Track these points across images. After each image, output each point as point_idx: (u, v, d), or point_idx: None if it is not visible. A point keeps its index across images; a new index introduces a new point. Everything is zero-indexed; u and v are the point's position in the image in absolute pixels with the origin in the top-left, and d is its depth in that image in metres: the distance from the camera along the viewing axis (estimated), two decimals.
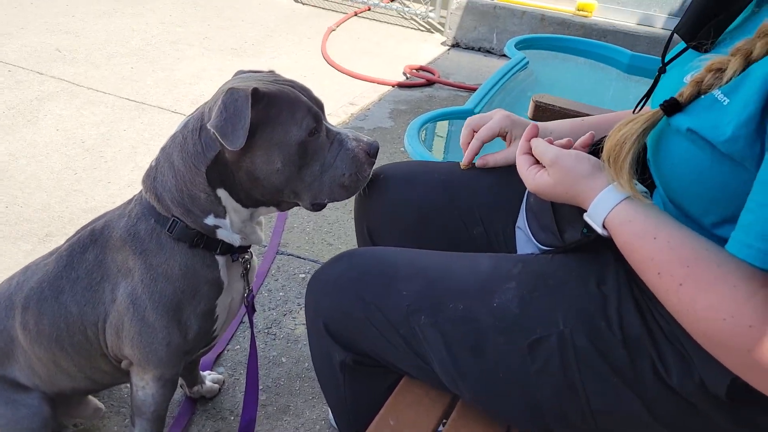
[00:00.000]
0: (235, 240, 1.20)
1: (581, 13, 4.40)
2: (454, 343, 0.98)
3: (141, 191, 1.21)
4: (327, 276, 1.11)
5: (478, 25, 4.58)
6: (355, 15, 5.09)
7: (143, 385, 1.28)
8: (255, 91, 1.04)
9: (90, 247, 1.21)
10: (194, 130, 1.12)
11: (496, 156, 1.24)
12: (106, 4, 4.61)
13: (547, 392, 0.94)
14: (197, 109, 1.15)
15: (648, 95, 0.99)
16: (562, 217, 1.01)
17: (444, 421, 1.06)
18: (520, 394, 0.96)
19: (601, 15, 4.42)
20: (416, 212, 1.26)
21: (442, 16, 4.97)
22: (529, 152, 1.02)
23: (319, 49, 4.31)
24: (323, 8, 5.20)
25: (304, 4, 5.27)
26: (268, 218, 2.41)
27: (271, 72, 1.21)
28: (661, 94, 0.89)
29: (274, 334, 1.94)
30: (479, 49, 4.66)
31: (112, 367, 1.31)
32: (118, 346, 1.23)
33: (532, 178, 0.98)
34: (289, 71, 3.87)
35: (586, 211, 0.90)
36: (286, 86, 1.12)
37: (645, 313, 0.90)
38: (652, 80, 0.98)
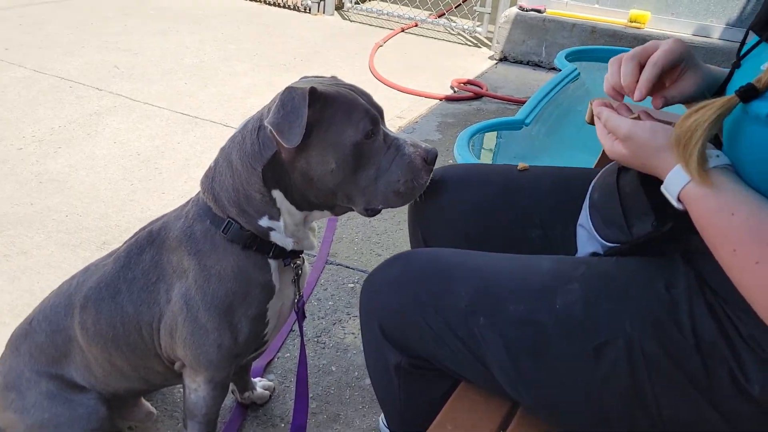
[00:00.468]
0: (288, 243, 1.20)
1: (634, 24, 4.32)
2: (515, 346, 0.95)
3: (198, 193, 1.22)
4: (382, 277, 1.10)
5: (526, 38, 4.55)
6: (402, 31, 5.13)
7: (195, 387, 1.29)
8: (312, 90, 1.04)
9: (147, 248, 1.23)
10: (253, 130, 1.12)
11: (671, 91, 1.00)
12: (162, 24, 4.76)
13: (614, 399, 0.90)
14: (259, 111, 1.16)
15: (722, 90, 0.96)
16: (631, 210, 0.97)
17: (503, 429, 1.03)
18: (584, 400, 0.92)
19: (655, 26, 4.34)
20: (472, 215, 1.24)
21: (489, 31, 4.96)
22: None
23: (366, 64, 4.35)
24: (371, 25, 5.26)
25: (351, 21, 5.34)
26: (318, 229, 2.42)
27: (333, 77, 1.21)
28: (736, 86, 0.85)
29: (324, 343, 1.94)
30: (527, 63, 4.63)
31: (165, 368, 1.32)
32: (172, 347, 1.24)
33: (610, 146, 0.95)
34: None
35: (656, 202, 0.88)
36: (346, 89, 1.12)
37: (721, 318, 0.85)
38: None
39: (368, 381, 1.81)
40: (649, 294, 0.91)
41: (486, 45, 4.94)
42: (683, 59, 0.97)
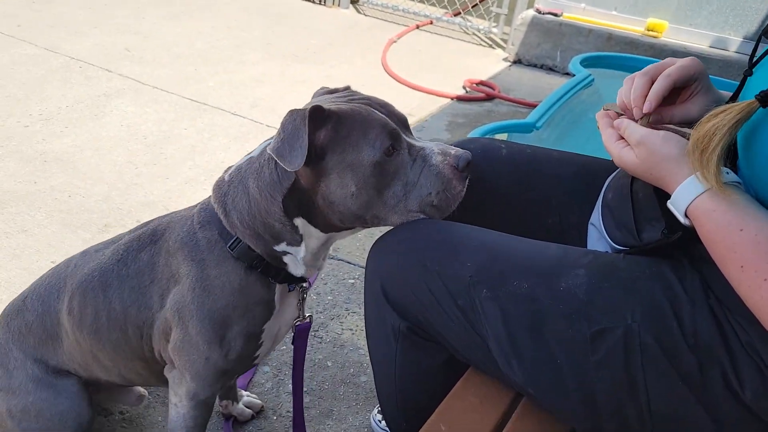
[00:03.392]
0: (299, 271, 1.15)
1: (651, 33, 4.28)
2: (513, 321, 0.95)
3: (209, 198, 1.17)
4: (391, 240, 1.09)
5: (541, 41, 4.51)
6: (417, 28, 5.09)
7: (176, 402, 1.24)
8: (317, 110, 0.98)
9: (147, 247, 1.19)
10: (270, 160, 1.07)
11: (676, 110, 1.01)
12: (175, 7, 4.74)
13: (606, 386, 0.90)
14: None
15: (734, 98, 0.95)
16: (642, 215, 0.96)
17: None
18: (576, 383, 0.92)
19: (672, 36, 4.29)
20: (489, 191, 1.21)
21: (505, 32, 4.92)
22: (615, 126, 0.98)
23: (379, 59, 4.32)
24: (385, 20, 5.22)
25: (366, 15, 5.31)
26: None
27: (348, 88, 1.16)
28: (749, 95, 0.84)
29: (321, 338, 1.92)
30: (542, 67, 4.59)
31: (148, 372, 1.28)
32: (165, 348, 1.20)
33: (618, 152, 0.95)
34: (349, 80, 3.89)
35: (667, 209, 0.87)
36: (361, 104, 1.06)
37: (722, 322, 0.85)
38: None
39: (363, 378, 1.79)
40: (654, 288, 0.91)
41: (500, 46, 4.91)
42: (697, 79, 0.98)
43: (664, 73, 0.95)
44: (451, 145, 1.17)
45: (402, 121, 1.09)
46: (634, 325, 0.88)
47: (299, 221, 1.09)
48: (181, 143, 2.92)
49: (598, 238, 1.06)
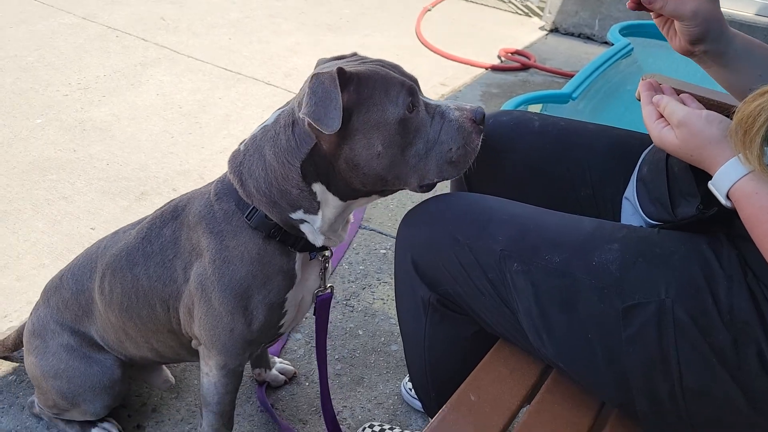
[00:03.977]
0: (318, 240, 1.14)
1: None
2: (544, 295, 0.95)
3: (225, 173, 1.18)
4: (421, 212, 1.10)
5: (579, 9, 4.40)
6: None
7: (207, 372, 1.27)
8: (341, 71, 0.98)
9: (169, 223, 1.20)
10: (287, 126, 1.07)
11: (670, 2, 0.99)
12: None
13: (637, 361, 0.89)
14: (287, 104, 1.11)
15: None
16: (678, 190, 0.94)
17: (528, 402, 1.01)
18: (607, 358, 0.92)
19: None
20: (520, 164, 1.20)
21: (541, 0, 4.81)
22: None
23: (413, 28, 4.27)
24: None
25: None
26: None
27: (355, 54, 1.15)
28: None
29: (353, 306, 1.94)
30: (579, 35, 4.48)
31: (178, 344, 1.31)
32: (189, 325, 1.22)
33: (657, 133, 0.93)
34: (382, 49, 3.86)
35: (703, 186, 0.86)
36: (375, 65, 1.06)
37: (759, 300, 0.84)
38: None
39: (394, 347, 1.81)
40: (690, 264, 0.89)
41: (537, 15, 4.80)
42: None
43: None
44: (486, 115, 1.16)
45: (414, 81, 1.09)
46: (667, 301, 0.87)
47: (317, 187, 1.09)
48: (215, 112, 2.95)
49: (632, 212, 1.04)
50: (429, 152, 1.05)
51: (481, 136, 1.07)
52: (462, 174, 1.07)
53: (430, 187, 1.09)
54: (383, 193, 1.11)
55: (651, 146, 1.07)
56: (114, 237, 1.32)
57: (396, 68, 1.08)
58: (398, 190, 1.10)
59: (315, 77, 0.98)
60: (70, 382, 1.33)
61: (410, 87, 1.04)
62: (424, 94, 1.10)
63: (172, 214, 1.21)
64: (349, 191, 1.09)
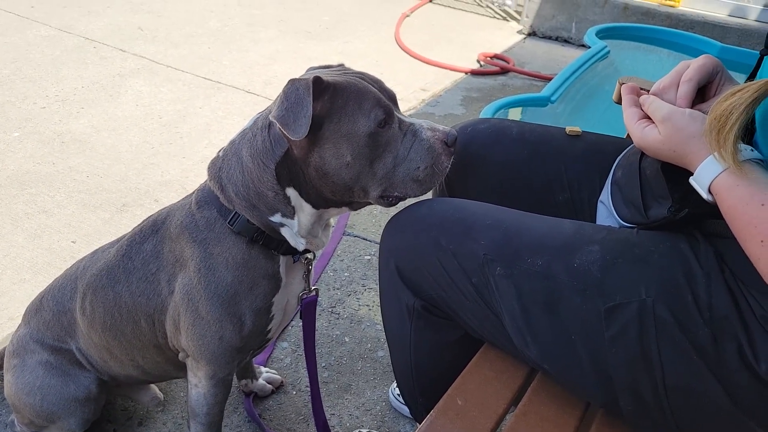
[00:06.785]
0: (299, 244, 1.15)
1: (668, 2, 4.20)
2: (527, 298, 0.96)
3: (204, 181, 1.19)
4: (405, 218, 1.10)
5: (556, 13, 4.44)
6: (430, 1, 5.04)
7: (196, 383, 1.26)
8: (318, 80, 0.99)
9: (149, 238, 1.20)
10: (263, 127, 1.09)
11: (703, 108, 0.98)
12: None
13: (620, 361, 0.91)
14: (267, 107, 1.12)
15: (752, 77, 0.95)
16: (650, 192, 0.96)
17: (514, 406, 1.02)
18: (590, 358, 0.93)
19: (690, 5, 4.21)
20: (499, 170, 1.22)
21: (519, 4, 4.85)
22: (638, 105, 0.98)
23: (392, 34, 4.28)
24: None
25: None
26: None
27: (341, 65, 1.17)
28: (766, 74, 0.83)
29: (338, 314, 1.94)
30: (556, 39, 4.53)
31: (164, 359, 1.30)
32: (176, 338, 1.22)
33: (640, 132, 0.94)
34: (362, 56, 3.87)
35: (675, 188, 0.87)
36: (355, 77, 1.08)
37: (737, 296, 0.85)
38: (748, 74, 0.93)
39: (381, 353, 1.81)
40: (669, 263, 0.91)
41: (515, 19, 4.84)
42: (717, 72, 0.97)
43: (683, 78, 0.95)
44: (460, 125, 1.20)
45: (392, 97, 1.11)
46: (648, 300, 0.88)
47: (291, 192, 1.10)
48: (196, 122, 2.94)
49: (606, 215, 1.06)
50: (396, 168, 1.07)
51: (452, 159, 1.09)
52: (426, 192, 1.09)
53: (391, 202, 1.10)
54: (352, 205, 1.13)
55: (625, 150, 1.09)
56: (93, 256, 1.32)
57: (377, 83, 1.10)
58: (365, 203, 1.12)
59: (291, 83, 1.00)
60: (44, 399, 1.32)
61: (386, 105, 1.05)
62: (405, 102, 1.11)
63: (152, 229, 1.21)
64: (320, 200, 1.11)
